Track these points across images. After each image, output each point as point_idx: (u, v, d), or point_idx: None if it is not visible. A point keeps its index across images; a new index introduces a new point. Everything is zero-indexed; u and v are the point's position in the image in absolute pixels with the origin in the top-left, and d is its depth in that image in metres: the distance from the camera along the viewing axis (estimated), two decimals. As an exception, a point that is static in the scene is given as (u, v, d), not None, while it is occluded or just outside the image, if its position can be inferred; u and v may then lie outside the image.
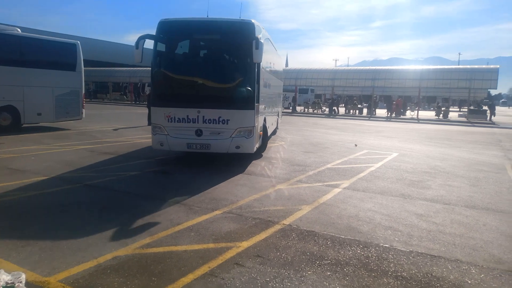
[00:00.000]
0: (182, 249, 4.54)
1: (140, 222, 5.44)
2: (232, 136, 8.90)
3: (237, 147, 8.95)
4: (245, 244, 4.72)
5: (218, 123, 8.84)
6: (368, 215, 6.03)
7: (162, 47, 9.07)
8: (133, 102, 50.19)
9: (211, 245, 4.67)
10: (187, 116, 8.82)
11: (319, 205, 6.46)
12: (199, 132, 8.85)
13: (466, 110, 42.64)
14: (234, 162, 9.89)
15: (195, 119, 8.81)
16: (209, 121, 8.82)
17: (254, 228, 5.30)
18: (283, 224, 5.48)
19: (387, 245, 4.84)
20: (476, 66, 36.86)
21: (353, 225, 5.52)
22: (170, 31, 9.05)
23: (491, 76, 33.74)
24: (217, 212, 5.93)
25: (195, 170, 9.03)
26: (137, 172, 8.70)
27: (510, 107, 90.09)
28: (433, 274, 4.10)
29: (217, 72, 9.15)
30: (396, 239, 5.08)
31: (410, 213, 6.23)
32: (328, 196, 7.06)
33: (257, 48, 8.27)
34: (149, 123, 19.15)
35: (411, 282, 3.93)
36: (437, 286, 3.87)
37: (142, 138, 14.64)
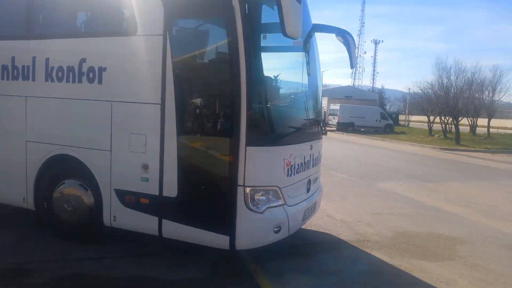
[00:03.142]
0: None
1: None
2: (319, 183, 5.43)
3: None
4: None
5: (319, 162, 5.25)
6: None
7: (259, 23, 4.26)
8: None
9: None
10: (304, 157, 4.61)
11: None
12: (308, 186, 4.77)
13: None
14: None
15: (309, 161, 4.75)
16: (316, 161, 5.04)
17: None
18: None
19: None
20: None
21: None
22: None
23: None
24: None
25: None
26: None
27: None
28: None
29: (318, 79, 5.51)
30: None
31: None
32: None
33: None
34: None
35: None
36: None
37: None
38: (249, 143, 3.73)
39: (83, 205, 4.54)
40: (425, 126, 32.31)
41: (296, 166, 4.39)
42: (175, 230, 4.08)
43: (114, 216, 4.35)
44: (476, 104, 26.40)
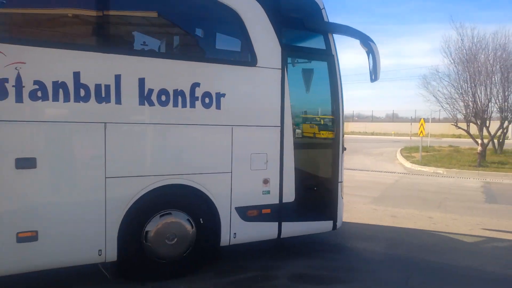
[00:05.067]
0: None
1: None
2: None
3: None
4: None
5: None
6: None
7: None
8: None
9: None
10: None
11: None
12: None
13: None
14: None
15: None
16: None
17: None
18: None
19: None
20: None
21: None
22: None
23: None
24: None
25: None
26: None
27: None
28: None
29: None
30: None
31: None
32: None
33: None
34: None
35: None
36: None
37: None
38: (342, 152, 5.29)
39: (188, 235, 4.37)
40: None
41: None
42: (292, 228, 5.00)
43: (235, 233, 4.64)
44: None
